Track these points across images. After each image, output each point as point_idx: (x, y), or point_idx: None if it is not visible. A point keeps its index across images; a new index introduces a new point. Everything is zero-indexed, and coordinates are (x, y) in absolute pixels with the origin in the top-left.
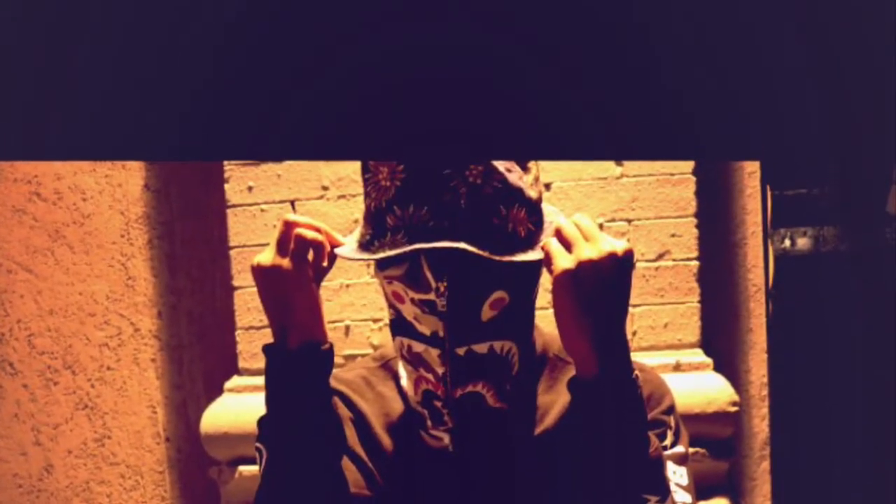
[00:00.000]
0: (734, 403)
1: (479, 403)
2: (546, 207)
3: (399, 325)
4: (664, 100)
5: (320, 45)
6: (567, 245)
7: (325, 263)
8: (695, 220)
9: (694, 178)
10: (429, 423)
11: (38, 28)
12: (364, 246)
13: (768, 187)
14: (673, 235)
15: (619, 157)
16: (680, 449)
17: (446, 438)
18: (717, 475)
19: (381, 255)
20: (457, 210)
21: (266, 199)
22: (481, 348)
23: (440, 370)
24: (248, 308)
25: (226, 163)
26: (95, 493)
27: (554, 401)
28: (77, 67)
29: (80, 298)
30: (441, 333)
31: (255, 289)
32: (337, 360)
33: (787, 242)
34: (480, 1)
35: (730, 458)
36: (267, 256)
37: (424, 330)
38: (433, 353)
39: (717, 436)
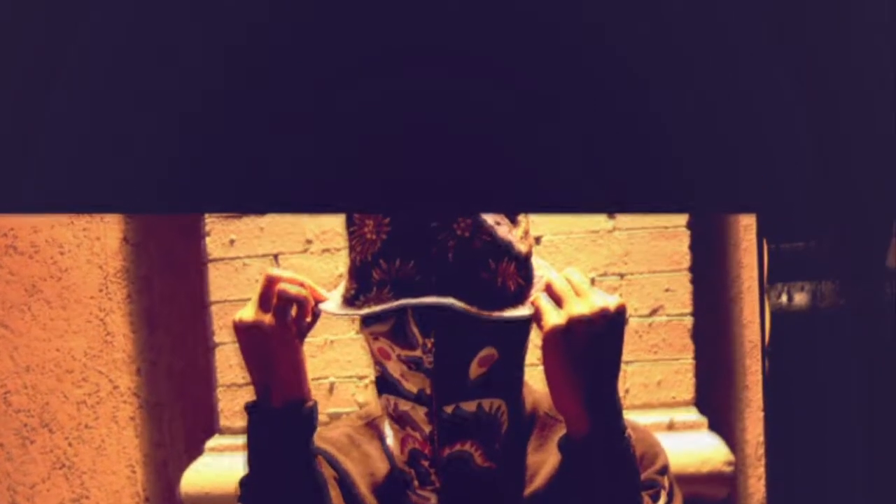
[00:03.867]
0: (729, 463)
1: (467, 463)
2: (536, 262)
3: (385, 383)
4: (657, 151)
5: (304, 97)
6: (557, 300)
7: (308, 319)
8: (689, 275)
9: (688, 232)
10: (415, 483)
11: (11, 76)
12: (349, 301)
13: (764, 241)
14: (667, 290)
15: (611, 211)
16: None
17: (433, 499)
18: None
19: (366, 310)
20: (444, 264)
21: (248, 253)
22: (469, 406)
23: (427, 429)
24: (230, 365)
25: (206, 216)
26: None
27: (544, 460)
28: (53, 117)
29: (58, 355)
30: (428, 391)
31: (236, 345)
32: (321, 418)
33: (784, 298)
34: (469, 52)
35: None
36: (249, 312)
37: (411, 388)
38: (420, 412)
39: (712, 497)
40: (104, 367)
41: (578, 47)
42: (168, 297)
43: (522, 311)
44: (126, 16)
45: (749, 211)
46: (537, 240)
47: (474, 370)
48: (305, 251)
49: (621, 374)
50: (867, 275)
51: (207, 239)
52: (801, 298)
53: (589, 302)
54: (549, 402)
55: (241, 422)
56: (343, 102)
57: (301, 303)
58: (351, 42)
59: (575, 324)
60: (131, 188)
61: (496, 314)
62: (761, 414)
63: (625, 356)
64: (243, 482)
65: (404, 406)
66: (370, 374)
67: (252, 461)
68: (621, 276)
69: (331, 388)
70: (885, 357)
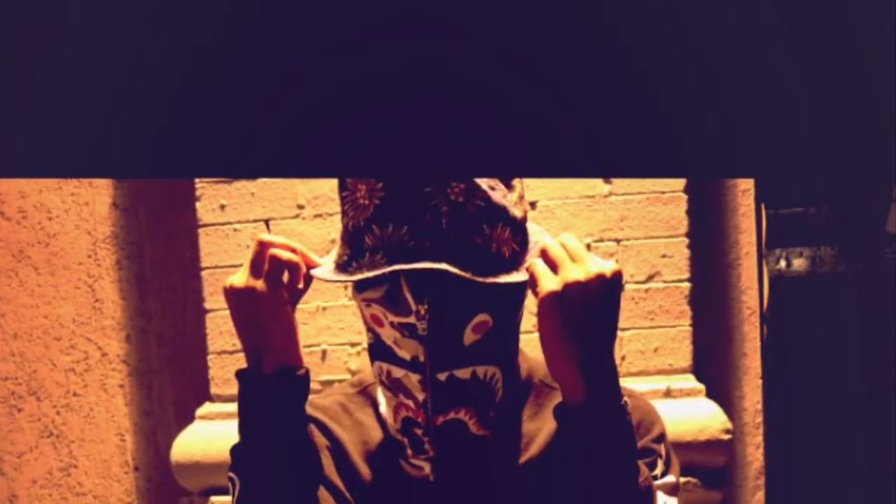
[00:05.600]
0: (727, 431)
1: (462, 431)
2: (531, 227)
3: (378, 350)
4: (654, 115)
5: (298, 61)
6: (553, 266)
7: (300, 285)
8: (686, 240)
9: (685, 197)
10: (409, 451)
11: (3, 42)
12: (341, 267)
13: (763, 206)
14: (663, 256)
15: (607, 175)
16: (671, 479)
17: (427, 468)
18: None
19: (359, 276)
20: (438, 229)
21: (239, 219)
22: (463, 374)
23: (420, 396)
24: (221, 332)
25: (197, 180)
26: None
27: (539, 428)
28: (43, 81)
29: (46, 322)
30: (421, 358)
31: (227, 312)
32: (313, 385)
33: (783, 263)
34: (467, 19)
35: (723, 488)
36: (240, 278)
37: (404, 354)
38: (413, 379)
39: (709, 465)
40: (93, 333)
41: (579, 15)
42: (158, 263)
43: (517, 276)
44: None
45: (747, 175)
46: (532, 205)
47: (468, 337)
48: (297, 216)
49: (617, 340)
50: (866, 240)
51: (198, 204)
52: (799, 264)
53: (585, 268)
54: (544, 369)
55: (232, 389)
56: (337, 68)
57: (293, 268)
58: (345, 8)
59: (570, 290)
60: (121, 152)
61: (490, 280)
62: (759, 381)
63: (621, 323)
64: (234, 450)
65: (397, 373)
66: (363, 340)
67: (243, 429)
68: (617, 241)
69: (323, 356)
70: (884, 323)
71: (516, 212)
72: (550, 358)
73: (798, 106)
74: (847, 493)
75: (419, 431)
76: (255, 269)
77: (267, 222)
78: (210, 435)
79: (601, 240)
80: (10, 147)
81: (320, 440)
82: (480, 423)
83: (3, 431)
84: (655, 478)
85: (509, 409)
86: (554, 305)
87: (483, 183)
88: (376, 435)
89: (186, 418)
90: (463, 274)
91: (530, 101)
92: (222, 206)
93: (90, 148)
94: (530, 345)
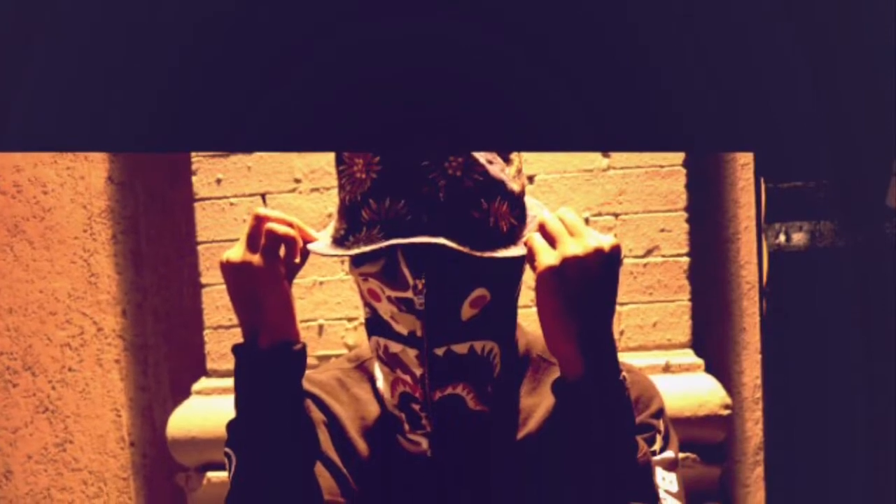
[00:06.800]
0: (726, 406)
1: (459, 406)
2: (529, 201)
3: (375, 325)
4: (653, 88)
5: (296, 34)
6: (551, 240)
7: (297, 260)
8: (685, 215)
9: (684, 171)
10: (406, 426)
11: None
12: (338, 241)
13: (762, 180)
14: (662, 230)
15: (605, 149)
16: (669, 454)
17: (424, 443)
18: (708, 481)
19: (355, 250)
20: (435, 204)
21: (235, 193)
22: (461, 348)
23: (418, 371)
24: (217, 306)
25: (193, 154)
26: (56, 500)
27: (537, 403)
28: (38, 54)
29: (41, 296)
30: (419, 333)
31: (224, 286)
32: (310, 360)
33: (782, 238)
34: None
35: (722, 464)
36: (236, 252)
37: (401, 329)
38: (411, 354)
39: (708, 440)
40: (88, 308)
41: None
42: (154, 238)
43: (515, 250)
44: None
45: (747, 149)
46: (530, 179)
47: (466, 311)
48: (294, 190)
49: (616, 315)
50: (866, 214)
51: (194, 178)
52: (799, 238)
53: (583, 242)
54: (542, 344)
55: (228, 364)
56: (334, 41)
57: (289, 243)
58: None
59: (568, 264)
60: (117, 126)
61: (488, 254)
62: (759, 356)
63: (620, 297)
64: (231, 426)
65: (395, 348)
66: (360, 315)
67: (240, 404)
68: (616, 215)
69: (320, 330)
70: (883, 298)
71: (514, 186)
72: (548, 333)
73: (798, 79)
74: (847, 468)
75: (416, 407)
76: (252, 244)
77: (263, 196)
78: (206, 410)
79: (599, 214)
80: (4, 121)
81: (317, 415)
82: (478, 399)
83: None
84: (654, 453)
85: (507, 384)
86: (552, 280)
87: (481, 157)
88: (373, 410)
89: (182, 393)
90: (460, 248)
91: (527, 73)
92: (218, 181)
93: (85, 122)
94: (528, 319)
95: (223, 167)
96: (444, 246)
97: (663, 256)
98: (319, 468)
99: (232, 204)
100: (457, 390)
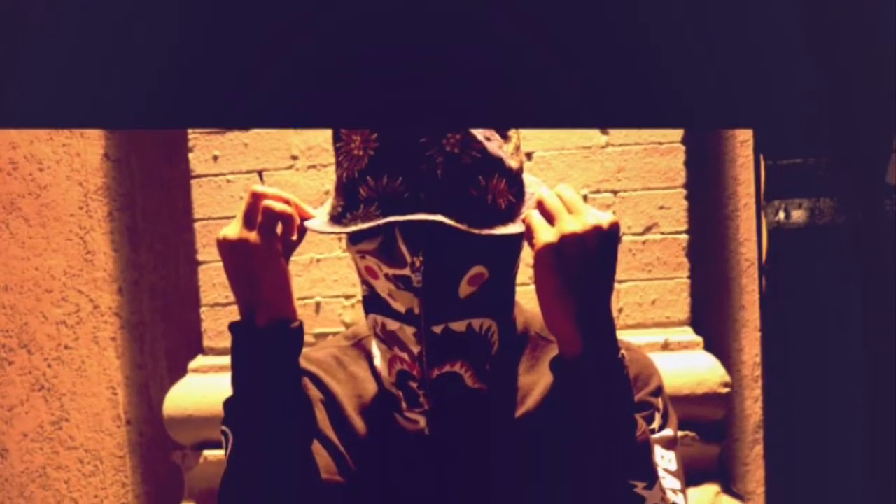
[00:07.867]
0: (725, 384)
1: (457, 384)
2: (527, 178)
3: (372, 302)
4: (651, 64)
5: (294, 10)
6: (549, 217)
7: (294, 237)
8: (684, 192)
9: (683, 147)
10: (404, 405)
11: None
12: (335, 219)
13: (762, 157)
14: (661, 207)
15: (605, 125)
16: (668, 432)
17: (422, 421)
18: (707, 459)
19: (353, 228)
20: (433, 181)
21: (232, 170)
22: (459, 326)
23: (416, 349)
24: (214, 284)
25: (190, 131)
26: (52, 478)
27: (535, 381)
28: (34, 29)
29: (37, 274)
30: (417, 311)
31: (220, 264)
32: (307, 338)
33: (782, 215)
34: None
35: (721, 442)
36: (233, 230)
37: (399, 307)
38: (408, 332)
39: (707, 418)
40: (84, 286)
41: None
42: (150, 215)
43: (513, 228)
44: None
45: (746, 126)
46: (528, 156)
47: (464, 289)
48: (291, 167)
49: (615, 293)
50: (866, 191)
51: (191, 155)
52: (798, 215)
53: (581, 219)
54: (540, 322)
55: (225, 342)
56: (332, 16)
57: (286, 220)
58: None
59: (567, 241)
60: (113, 102)
61: (486, 231)
62: (758, 333)
63: (618, 275)
64: (228, 404)
65: (392, 326)
66: (357, 293)
67: (237, 382)
68: (614, 192)
69: (317, 308)
70: (883, 275)
71: (512, 163)
72: (547, 310)
73: (798, 56)
74: (846, 446)
75: (414, 384)
76: (249, 221)
77: (260, 173)
78: (203, 388)
79: (598, 191)
80: (1, 97)
81: (314, 393)
82: (476, 376)
83: None
84: (653, 431)
85: (505, 362)
86: (550, 257)
87: (479, 134)
88: (371, 388)
89: (179, 371)
90: (458, 225)
91: (526, 50)
92: (215, 157)
93: (82, 98)
94: (526, 297)
95: (220, 144)
96: (441, 223)
97: (662, 234)
98: (317, 446)
99: (229, 181)
100: (455, 368)
